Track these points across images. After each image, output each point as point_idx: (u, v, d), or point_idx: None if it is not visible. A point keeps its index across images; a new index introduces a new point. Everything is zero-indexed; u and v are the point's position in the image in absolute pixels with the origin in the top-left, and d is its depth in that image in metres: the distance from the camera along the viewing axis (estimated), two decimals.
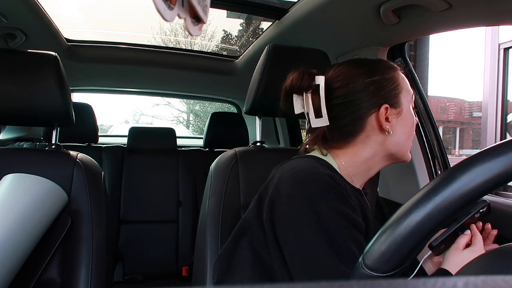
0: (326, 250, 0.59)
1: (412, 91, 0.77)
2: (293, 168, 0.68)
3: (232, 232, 0.75)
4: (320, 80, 0.71)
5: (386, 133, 0.71)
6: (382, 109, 0.71)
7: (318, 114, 0.70)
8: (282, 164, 0.73)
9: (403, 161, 0.77)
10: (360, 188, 0.75)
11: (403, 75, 0.77)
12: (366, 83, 0.71)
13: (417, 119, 0.78)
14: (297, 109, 0.72)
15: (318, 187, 0.63)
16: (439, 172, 1.22)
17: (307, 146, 0.78)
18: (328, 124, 0.70)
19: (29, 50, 0.95)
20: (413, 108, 0.77)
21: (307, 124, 0.73)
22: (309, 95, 0.71)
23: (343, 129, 0.72)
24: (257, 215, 0.69)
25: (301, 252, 0.61)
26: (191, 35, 0.30)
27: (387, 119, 0.71)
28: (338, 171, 0.72)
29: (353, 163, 0.73)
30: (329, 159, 0.73)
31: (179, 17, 0.28)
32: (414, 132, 0.77)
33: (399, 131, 0.72)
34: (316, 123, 0.71)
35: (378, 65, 0.75)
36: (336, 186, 0.63)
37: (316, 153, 0.75)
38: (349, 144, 0.73)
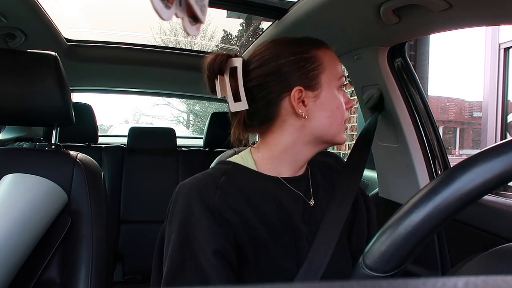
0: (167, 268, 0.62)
1: (341, 71, 0.72)
2: (184, 181, 0.69)
3: None
4: (238, 62, 0.67)
5: (301, 117, 0.67)
6: (294, 92, 0.66)
7: (237, 98, 0.67)
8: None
9: (335, 143, 0.72)
10: (296, 175, 0.72)
11: (333, 54, 0.71)
12: (280, 64, 0.67)
13: (349, 103, 0.71)
14: (219, 93, 0.68)
15: (179, 207, 0.64)
16: (439, 172, 1.22)
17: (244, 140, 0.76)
18: (247, 108, 0.67)
19: (29, 50, 0.95)
20: (340, 89, 0.71)
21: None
22: (226, 78, 0.67)
23: (258, 114, 0.69)
24: None
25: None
26: (188, 34, 0.30)
27: (303, 102, 0.67)
28: (255, 168, 0.70)
29: (273, 153, 0.70)
30: (246, 158, 0.72)
31: (177, 17, 0.28)
32: (345, 113, 0.71)
33: (318, 115, 0.68)
34: (234, 107, 0.68)
35: (298, 43, 0.70)
36: (195, 208, 0.63)
37: (242, 153, 0.75)
38: (268, 131, 0.70)
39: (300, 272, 0.64)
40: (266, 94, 0.68)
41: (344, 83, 0.74)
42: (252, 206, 0.65)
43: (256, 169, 0.70)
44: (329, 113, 0.68)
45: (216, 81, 0.68)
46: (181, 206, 0.64)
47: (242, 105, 0.67)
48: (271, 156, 0.71)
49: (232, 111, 0.69)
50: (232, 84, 0.68)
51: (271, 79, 0.67)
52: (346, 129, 0.73)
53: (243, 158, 0.73)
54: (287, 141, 0.69)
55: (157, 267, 0.69)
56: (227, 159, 0.74)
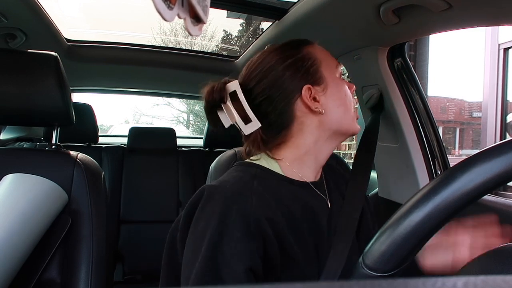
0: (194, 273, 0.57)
1: (335, 60, 0.72)
2: (213, 183, 0.65)
3: None
4: (235, 85, 0.66)
5: (319, 113, 0.67)
6: (304, 92, 0.66)
7: (247, 120, 0.66)
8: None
9: (352, 133, 0.72)
10: (316, 179, 0.72)
11: (319, 46, 0.71)
12: (279, 72, 0.66)
13: (351, 88, 0.72)
14: (226, 123, 0.67)
15: (210, 213, 0.59)
16: (439, 172, 1.22)
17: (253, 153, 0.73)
18: (260, 126, 0.66)
19: (29, 50, 0.95)
20: (340, 76, 0.71)
21: (241, 133, 0.69)
22: (229, 104, 0.66)
23: (274, 126, 0.68)
24: None
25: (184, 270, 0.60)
26: (191, 35, 0.30)
27: (314, 99, 0.66)
28: (281, 173, 0.68)
29: (297, 157, 0.69)
30: (270, 163, 0.69)
31: (179, 17, 0.28)
32: (352, 99, 0.71)
33: (332, 106, 0.67)
34: (248, 129, 0.66)
35: (288, 47, 0.70)
36: (230, 218, 0.57)
37: (262, 157, 0.71)
38: (286, 138, 0.69)
39: (321, 279, 0.63)
40: (276, 104, 0.66)
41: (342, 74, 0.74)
42: (284, 214, 0.63)
43: (282, 173, 0.69)
44: (340, 101, 0.69)
45: (219, 112, 0.67)
46: (213, 213, 0.59)
47: (255, 125, 0.66)
48: (295, 159, 0.69)
49: (246, 134, 0.67)
50: (237, 108, 0.66)
51: (276, 89, 0.66)
52: (357, 118, 0.73)
53: (267, 161, 0.70)
54: (309, 141, 0.68)
55: (167, 270, 0.67)
56: (252, 161, 0.71)
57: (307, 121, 0.68)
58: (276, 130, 0.69)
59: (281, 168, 0.69)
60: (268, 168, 0.68)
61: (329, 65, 0.70)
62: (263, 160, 0.70)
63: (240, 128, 0.67)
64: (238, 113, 0.66)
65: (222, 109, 0.67)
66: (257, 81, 0.67)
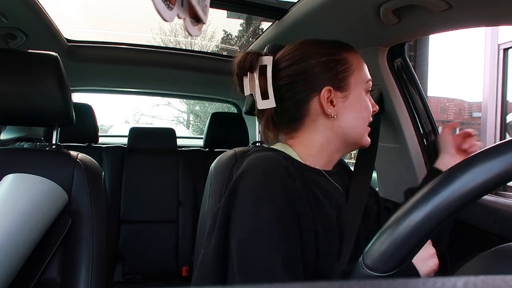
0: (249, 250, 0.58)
1: (368, 75, 0.73)
2: (248, 163, 0.65)
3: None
4: (267, 60, 0.69)
5: (330, 117, 0.68)
6: (324, 92, 0.68)
7: (265, 96, 0.68)
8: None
9: (361, 145, 0.74)
10: (330, 169, 0.73)
11: (361, 58, 0.73)
12: (311, 65, 0.68)
13: (374, 107, 0.73)
14: (246, 91, 0.70)
15: (256, 183, 0.60)
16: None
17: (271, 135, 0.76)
18: (275, 106, 0.69)
19: (29, 50, 0.95)
20: (367, 92, 0.73)
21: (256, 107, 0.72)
22: (255, 75, 0.69)
23: (287, 113, 0.71)
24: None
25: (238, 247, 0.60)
26: (190, 35, 0.30)
27: (331, 102, 0.68)
28: (300, 160, 0.70)
29: (310, 151, 0.71)
30: (288, 150, 0.71)
31: (179, 17, 0.28)
32: (370, 116, 0.73)
33: (347, 115, 0.69)
34: (262, 104, 0.69)
35: (329, 45, 0.72)
36: (274, 180, 0.59)
37: (278, 146, 0.74)
38: (299, 130, 0.71)
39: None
40: (295, 93, 0.69)
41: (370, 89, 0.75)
42: (308, 196, 0.64)
43: (301, 160, 0.70)
44: (357, 114, 0.70)
45: (245, 78, 0.70)
46: (269, 193, 0.59)
47: (270, 103, 0.68)
48: (309, 153, 0.71)
49: (259, 108, 0.70)
50: (261, 82, 0.69)
51: (301, 79, 0.68)
52: (369, 131, 0.74)
53: (284, 148, 0.71)
54: (322, 140, 0.70)
55: (218, 255, 0.64)
56: (273, 147, 0.73)
57: (319, 120, 0.69)
58: (287, 118, 0.71)
59: (301, 158, 0.71)
60: (288, 155, 0.70)
61: (360, 77, 0.71)
62: (280, 146, 0.73)
63: (256, 100, 0.69)
64: (260, 87, 0.68)
65: (246, 77, 0.70)
66: (288, 64, 0.70)
